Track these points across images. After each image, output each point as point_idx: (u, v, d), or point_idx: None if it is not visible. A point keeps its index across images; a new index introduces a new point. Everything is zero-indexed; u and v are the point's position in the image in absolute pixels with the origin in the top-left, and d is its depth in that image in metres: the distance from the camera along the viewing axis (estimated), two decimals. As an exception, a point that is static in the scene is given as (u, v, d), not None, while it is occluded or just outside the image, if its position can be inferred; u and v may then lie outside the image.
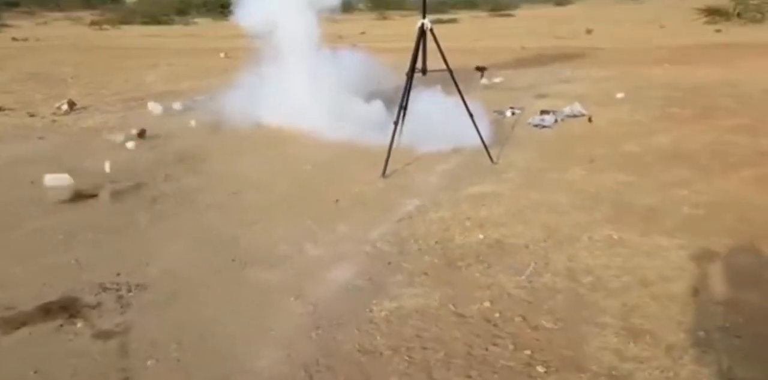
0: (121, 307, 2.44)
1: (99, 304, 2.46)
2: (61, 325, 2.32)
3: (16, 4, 40.41)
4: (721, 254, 2.83)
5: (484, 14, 30.64)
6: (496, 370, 2.03)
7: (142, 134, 5.25)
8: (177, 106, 6.53)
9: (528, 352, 2.13)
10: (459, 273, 2.73)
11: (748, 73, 8.35)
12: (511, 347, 2.17)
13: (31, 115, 6.25)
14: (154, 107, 6.39)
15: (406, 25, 19.64)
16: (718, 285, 2.56)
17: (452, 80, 4.27)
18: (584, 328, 2.27)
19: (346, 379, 1.99)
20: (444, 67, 4.23)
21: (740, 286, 2.51)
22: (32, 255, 2.96)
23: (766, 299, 2.42)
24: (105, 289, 2.58)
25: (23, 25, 26.98)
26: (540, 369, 2.04)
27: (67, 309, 2.41)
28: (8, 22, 28.55)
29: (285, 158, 4.74)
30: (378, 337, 2.24)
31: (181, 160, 4.64)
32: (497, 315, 2.38)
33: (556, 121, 5.62)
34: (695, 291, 2.49)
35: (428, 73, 4.30)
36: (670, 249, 2.89)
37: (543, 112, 5.81)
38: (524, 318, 2.35)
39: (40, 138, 5.30)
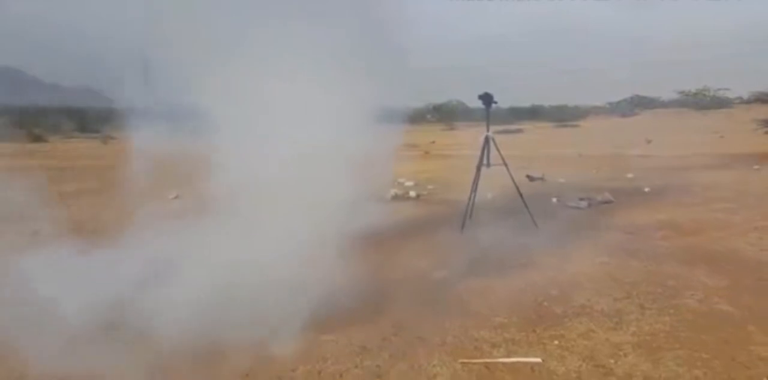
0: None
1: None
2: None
3: (112, 118, 47.13)
4: (663, 268, 5.10)
5: (549, 125, 33.88)
6: (524, 305, 4.34)
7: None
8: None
9: (540, 299, 4.45)
10: (508, 273, 5.11)
11: (765, 175, 10.60)
12: (533, 297, 4.49)
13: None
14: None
15: (471, 135, 22.89)
16: (654, 278, 4.84)
17: (509, 175, 6.85)
18: (574, 293, 4.57)
19: (447, 309, 4.35)
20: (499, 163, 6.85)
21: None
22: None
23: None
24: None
25: (125, 137, 31.95)
26: (545, 304, 4.34)
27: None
28: (111, 134, 33.92)
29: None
30: (461, 295, 4.62)
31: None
32: (528, 288, 4.72)
33: (589, 205, 8.02)
34: (640, 280, 4.77)
35: (491, 166, 6.90)
36: (636, 266, 5.18)
37: (581, 199, 8.22)
38: (542, 289, 4.67)
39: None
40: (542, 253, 5.69)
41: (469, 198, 6.85)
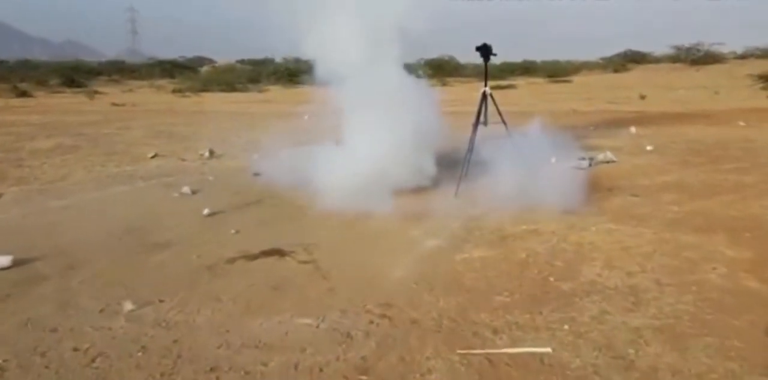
0: (308, 252, 4.40)
1: (294, 251, 4.44)
2: (277, 258, 4.29)
3: (99, 73, 45.75)
4: (677, 236, 4.59)
5: (541, 80, 32.94)
6: (527, 281, 3.84)
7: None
8: (282, 154, 8.47)
9: (545, 273, 3.94)
10: (508, 243, 4.58)
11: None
12: (536, 271, 3.98)
13: (183, 160, 8.59)
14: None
15: (465, 91, 22.07)
16: (669, 248, 4.33)
17: (507, 131, 6.25)
18: (581, 266, 4.06)
19: (442, 283, 3.84)
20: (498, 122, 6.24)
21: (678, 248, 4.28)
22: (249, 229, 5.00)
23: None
24: (294, 245, 4.56)
25: (112, 92, 30.86)
26: (551, 279, 3.84)
27: (277, 252, 4.39)
28: (98, 89, 32.79)
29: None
30: (458, 267, 4.10)
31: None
32: (530, 259, 4.20)
33: (590, 165, 7.46)
34: (654, 250, 4.26)
35: (489, 125, 6.28)
36: (648, 234, 4.66)
37: (581, 158, 7.65)
38: (546, 261, 4.16)
39: (202, 174, 7.53)
40: (543, 218, 5.17)
41: (464, 159, 6.27)
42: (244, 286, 3.84)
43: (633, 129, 10.59)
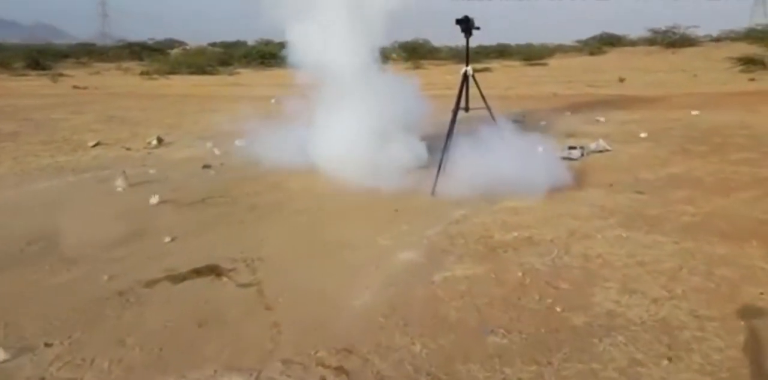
0: (251, 271, 3.46)
1: (234, 269, 3.49)
2: (212, 280, 3.34)
3: (67, 55, 43.76)
4: (702, 247, 3.73)
5: (517, 64, 32.03)
6: (528, 312, 2.95)
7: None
8: (239, 143, 7.46)
9: (549, 300, 3.05)
10: (498, 255, 3.69)
11: (766, 116, 9.27)
12: (537, 297, 3.09)
13: (127, 149, 7.53)
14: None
15: (439, 74, 21.11)
16: (697, 263, 3.46)
17: (491, 117, 5.35)
18: (593, 289, 3.18)
19: (418, 316, 2.94)
20: (483, 106, 5.33)
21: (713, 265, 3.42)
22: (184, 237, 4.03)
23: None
24: (235, 259, 3.61)
25: (78, 75, 29.27)
26: (558, 309, 2.95)
27: (213, 270, 3.44)
28: (63, 71, 31.11)
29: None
30: (438, 291, 3.20)
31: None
32: (528, 280, 3.31)
33: (582, 155, 6.59)
34: (679, 267, 3.39)
35: (470, 111, 5.37)
36: (666, 244, 3.80)
37: (571, 148, 6.78)
38: (548, 282, 3.27)
39: (143, 166, 6.51)
40: (536, 223, 4.30)
41: (443, 150, 5.34)
42: (161, 322, 2.90)
43: (602, 118, 9.71)
